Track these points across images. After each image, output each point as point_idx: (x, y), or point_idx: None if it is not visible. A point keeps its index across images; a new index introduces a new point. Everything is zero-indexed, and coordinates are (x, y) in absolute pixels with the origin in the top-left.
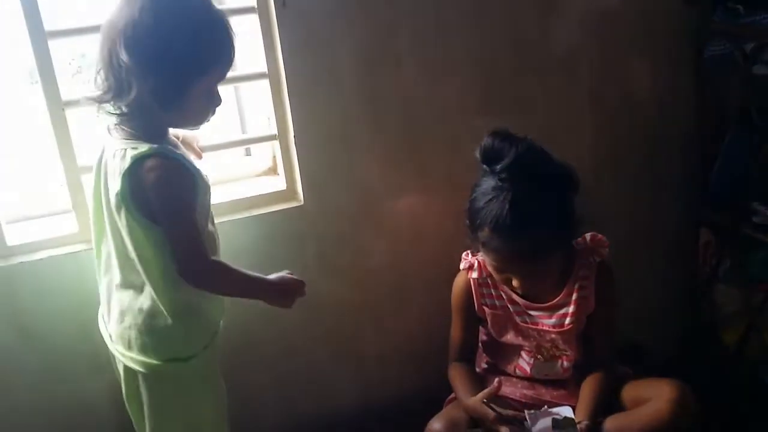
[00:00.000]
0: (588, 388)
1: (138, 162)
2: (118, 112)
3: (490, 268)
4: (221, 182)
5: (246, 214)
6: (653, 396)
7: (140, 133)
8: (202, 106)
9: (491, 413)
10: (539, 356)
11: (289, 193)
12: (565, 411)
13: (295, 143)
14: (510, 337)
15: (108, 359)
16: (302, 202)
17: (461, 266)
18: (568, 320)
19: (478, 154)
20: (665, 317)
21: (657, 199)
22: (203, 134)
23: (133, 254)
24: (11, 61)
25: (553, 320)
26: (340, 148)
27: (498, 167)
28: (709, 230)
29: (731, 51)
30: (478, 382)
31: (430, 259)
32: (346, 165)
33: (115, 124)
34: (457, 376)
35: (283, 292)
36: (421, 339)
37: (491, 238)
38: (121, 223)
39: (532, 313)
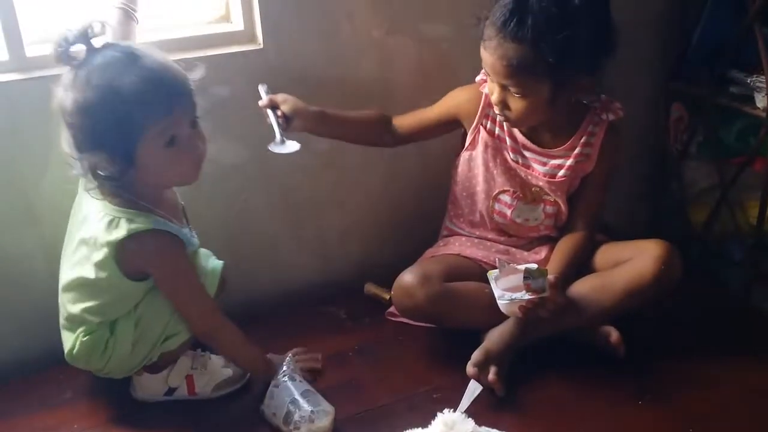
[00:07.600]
0: (564, 244)
1: (134, 236)
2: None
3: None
4: (162, 28)
5: (197, 54)
6: (635, 255)
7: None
8: (172, 160)
9: None
10: (522, 198)
11: (246, 35)
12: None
13: None
14: (494, 173)
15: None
16: (261, 46)
17: (477, 78)
18: (561, 172)
19: None
20: (635, 198)
21: (628, 70)
22: None
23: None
24: None
25: (546, 168)
26: None
27: None
28: (682, 105)
29: None
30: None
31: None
32: (312, 6)
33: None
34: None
35: (269, 372)
36: (386, 209)
37: (488, 35)
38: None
39: (527, 154)
